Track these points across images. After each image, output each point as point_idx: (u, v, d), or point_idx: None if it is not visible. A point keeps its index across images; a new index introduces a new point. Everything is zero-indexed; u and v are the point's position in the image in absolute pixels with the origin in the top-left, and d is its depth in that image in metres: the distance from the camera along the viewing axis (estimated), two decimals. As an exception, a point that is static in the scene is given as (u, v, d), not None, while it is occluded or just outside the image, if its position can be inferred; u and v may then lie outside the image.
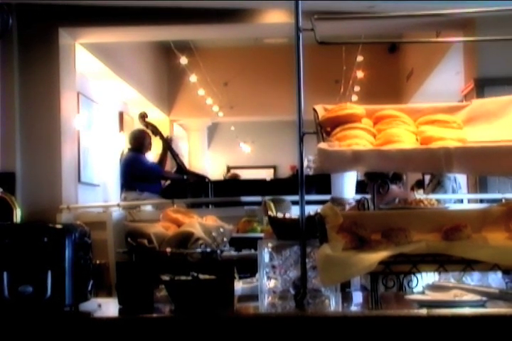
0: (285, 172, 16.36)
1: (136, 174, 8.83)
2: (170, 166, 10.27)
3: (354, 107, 2.60)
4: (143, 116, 9.53)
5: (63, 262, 2.38)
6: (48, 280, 2.36)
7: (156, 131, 9.39)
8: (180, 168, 9.55)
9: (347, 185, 5.20)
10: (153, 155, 9.90)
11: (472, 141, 2.54)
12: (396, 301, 2.72)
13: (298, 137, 2.50)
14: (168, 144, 9.51)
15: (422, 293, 2.59)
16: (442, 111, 2.68)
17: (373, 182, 2.91)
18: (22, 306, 2.35)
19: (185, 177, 9.32)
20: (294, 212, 2.65)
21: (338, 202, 5.01)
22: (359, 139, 2.48)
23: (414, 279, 2.56)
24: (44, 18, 8.37)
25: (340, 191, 5.22)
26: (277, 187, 7.96)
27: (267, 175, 16.72)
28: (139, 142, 9.05)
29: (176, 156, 9.65)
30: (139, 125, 10.15)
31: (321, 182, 6.31)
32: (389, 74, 14.44)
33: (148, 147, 9.18)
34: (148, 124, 9.44)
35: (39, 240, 2.37)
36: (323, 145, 2.42)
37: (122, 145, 11.87)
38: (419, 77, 12.41)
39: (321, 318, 2.30)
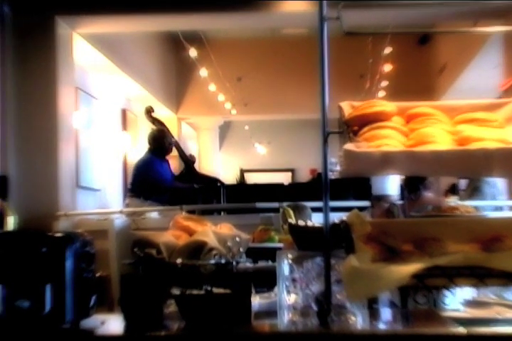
0: (304, 176, 16.36)
1: (146, 181, 8.83)
2: (178, 168, 10.26)
3: (384, 104, 2.59)
4: (149, 111, 9.53)
5: (63, 274, 2.38)
6: (47, 294, 2.36)
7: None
8: (190, 170, 9.54)
9: (389, 180, 5.18)
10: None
11: (514, 141, 2.54)
12: (429, 318, 2.70)
13: (322, 137, 2.49)
14: (176, 144, 9.50)
15: (457, 309, 2.59)
16: (482, 109, 2.67)
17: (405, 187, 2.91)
18: (19, 322, 2.35)
19: (195, 185, 9.26)
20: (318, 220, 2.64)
21: (382, 199, 5.00)
22: (389, 139, 2.48)
23: (448, 294, 2.55)
24: (40, 6, 8.40)
25: (382, 188, 5.21)
26: (296, 193, 7.94)
27: (284, 179, 16.72)
28: (159, 143, 9.02)
29: (184, 157, 9.64)
30: (143, 123, 10.17)
31: (359, 186, 6.28)
32: (419, 67, 14.42)
33: (170, 148, 9.14)
34: (154, 120, 9.44)
35: (37, 250, 2.38)
36: (349, 146, 2.42)
37: (125, 145, 11.90)
38: (453, 72, 12.40)
39: (348, 336, 2.30)
